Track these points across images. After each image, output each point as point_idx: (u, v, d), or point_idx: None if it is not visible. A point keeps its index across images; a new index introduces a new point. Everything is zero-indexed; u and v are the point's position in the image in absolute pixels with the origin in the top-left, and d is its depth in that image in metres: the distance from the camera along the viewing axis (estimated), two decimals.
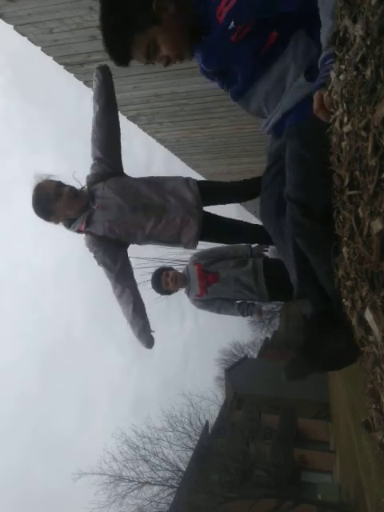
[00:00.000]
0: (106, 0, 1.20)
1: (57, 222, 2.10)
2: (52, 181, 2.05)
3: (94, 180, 2.10)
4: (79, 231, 2.09)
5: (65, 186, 2.04)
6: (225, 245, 2.83)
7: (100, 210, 2.04)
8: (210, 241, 2.43)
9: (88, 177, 2.13)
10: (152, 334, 2.18)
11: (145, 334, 2.16)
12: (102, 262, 2.08)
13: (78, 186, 2.11)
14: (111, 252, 2.07)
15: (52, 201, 1.99)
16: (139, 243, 2.18)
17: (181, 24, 1.21)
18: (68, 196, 2.00)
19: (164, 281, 2.70)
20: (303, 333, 1.44)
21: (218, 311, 2.80)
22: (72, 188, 2.04)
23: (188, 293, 2.78)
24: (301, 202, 1.19)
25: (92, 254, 2.10)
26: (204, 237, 2.26)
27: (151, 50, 1.22)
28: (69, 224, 2.10)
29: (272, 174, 1.46)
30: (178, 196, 2.11)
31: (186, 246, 2.22)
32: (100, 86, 2.05)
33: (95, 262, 2.12)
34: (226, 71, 1.37)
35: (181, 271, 2.83)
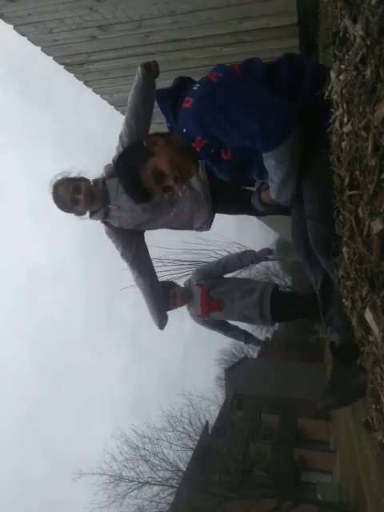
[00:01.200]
0: (118, 160, 1.51)
1: (78, 216, 2.21)
2: (69, 185, 2.08)
3: (112, 172, 2.17)
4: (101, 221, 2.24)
5: (80, 192, 2.07)
6: (227, 255, 2.86)
7: (114, 208, 2.16)
8: (223, 213, 2.48)
9: (108, 166, 2.19)
10: (163, 319, 2.35)
11: (154, 315, 2.33)
12: (119, 249, 2.25)
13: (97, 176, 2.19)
14: (127, 241, 2.23)
15: (70, 207, 2.12)
16: (152, 229, 2.32)
17: (173, 149, 1.40)
18: (85, 202, 2.09)
19: (172, 300, 2.59)
20: (333, 364, 1.54)
21: (219, 331, 2.83)
22: (87, 193, 2.08)
23: (189, 308, 2.73)
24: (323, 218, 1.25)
25: (111, 241, 2.26)
26: (216, 212, 2.35)
27: (156, 176, 1.39)
28: (91, 214, 2.21)
29: (298, 209, 1.53)
30: (187, 186, 2.18)
31: (198, 230, 2.37)
32: (142, 87, 2.09)
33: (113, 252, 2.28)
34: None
35: (183, 285, 2.76)
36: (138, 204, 1.58)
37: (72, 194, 2.06)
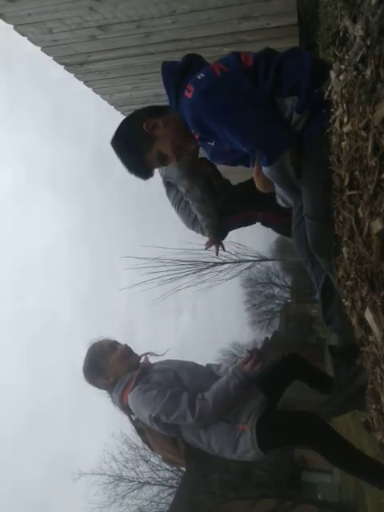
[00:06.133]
0: (118, 142, 1.52)
1: (106, 382, 1.96)
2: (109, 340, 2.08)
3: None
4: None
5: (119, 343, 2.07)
6: None
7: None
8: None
9: None
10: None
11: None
12: None
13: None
14: None
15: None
16: None
17: (173, 130, 1.47)
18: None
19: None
20: (333, 365, 1.54)
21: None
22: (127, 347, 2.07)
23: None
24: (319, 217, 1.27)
25: None
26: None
27: (161, 159, 1.49)
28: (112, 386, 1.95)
29: (298, 210, 1.55)
30: None
31: None
32: None
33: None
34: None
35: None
36: (143, 179, 1.62)
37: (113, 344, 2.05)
